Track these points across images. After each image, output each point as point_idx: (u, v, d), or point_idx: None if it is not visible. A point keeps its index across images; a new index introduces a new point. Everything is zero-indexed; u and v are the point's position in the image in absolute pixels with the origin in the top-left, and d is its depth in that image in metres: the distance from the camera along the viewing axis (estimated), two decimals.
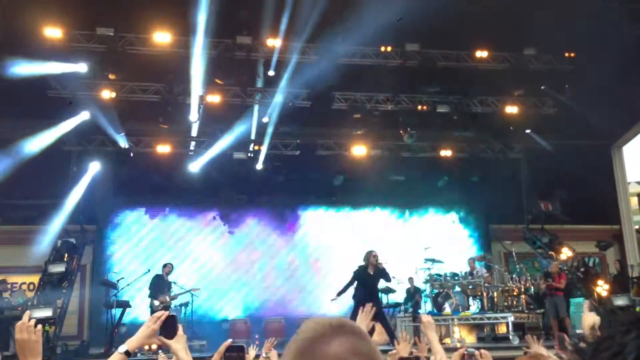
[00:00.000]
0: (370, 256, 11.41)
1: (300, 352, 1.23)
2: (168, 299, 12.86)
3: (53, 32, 13.72)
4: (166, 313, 2.75)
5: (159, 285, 13.02)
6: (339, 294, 11.55)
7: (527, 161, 17.29)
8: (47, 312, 11.86)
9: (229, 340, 2.31)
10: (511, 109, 16.53)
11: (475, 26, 14.07)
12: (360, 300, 11.27)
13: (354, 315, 10.67)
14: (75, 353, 13.25)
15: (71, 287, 13.66)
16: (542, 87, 16.37)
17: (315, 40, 14.94)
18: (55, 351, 12.16)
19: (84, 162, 15.46)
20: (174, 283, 13.41)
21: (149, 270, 13.72)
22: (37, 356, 2.62)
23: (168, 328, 2.76)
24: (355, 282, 11.38)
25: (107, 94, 14.85)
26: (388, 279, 11.82)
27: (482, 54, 15.66)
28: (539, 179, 16.88)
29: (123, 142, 15.69)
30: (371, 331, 5.57)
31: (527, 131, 16.90)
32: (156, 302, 12.77)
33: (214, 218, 16.90)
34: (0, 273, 14.82)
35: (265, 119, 15.92)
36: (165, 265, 13.47)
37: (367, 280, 11.32)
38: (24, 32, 13.07)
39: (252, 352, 5.28)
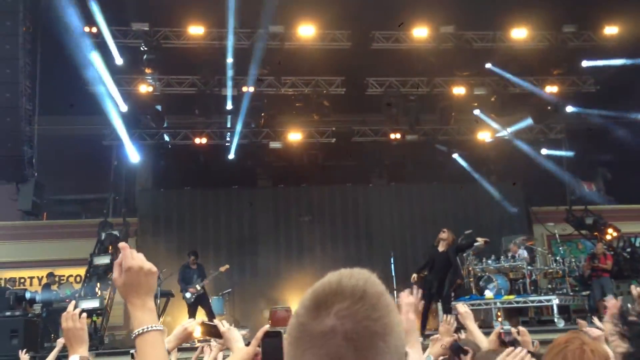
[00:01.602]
0: (440, 234, 11.31)
1: (291, 329, 1.14)
2: (199, 287, 12.83)
3: (90, 29, 13.95)
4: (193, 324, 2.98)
5: (186, 276, 13.00)
6: (418, 271, 11.34)
7: (568, 141, 16.91)
8: (94, 303, 12.16)
9: (266, 326, 2.33)
10: (551, 89, 16.15)
11: (511, 5, 13.79)
12: (424, 278, 11.21)
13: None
14: (122, 343, 13.55)
15: None
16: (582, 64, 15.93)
17: (347, 27, 14.86)
18: (103, 341, 12.47)
19: (124, 156, 15.73)
20: (202, 268, 13.38)
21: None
22: (83, 343, 2.68)
23: (211, 332, 2.95)
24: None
25: (144, 88, 15.09)
26: (469, 246, 11.71)
27: (519, 33, 15.31)
28: (581, 158, 16.50)
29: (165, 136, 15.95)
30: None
31: (569, 108, 16.46)
32: (187, 295, 12.74)
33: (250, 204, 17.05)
34: (48, 266, 15.27)
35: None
36: (189, 255, 13.31)
37: (435, 258, 11.15)
38: (61, 30, 13.32)
39: None
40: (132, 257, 1.80)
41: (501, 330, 3.79)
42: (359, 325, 1.07)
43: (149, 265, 1.79)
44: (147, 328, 1.74)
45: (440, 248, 11.14)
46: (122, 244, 1.82)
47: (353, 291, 1.11)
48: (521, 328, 3.73)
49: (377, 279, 1.18)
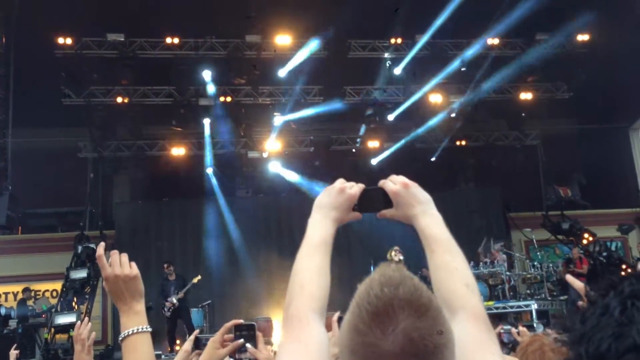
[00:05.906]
0: (390, 252, 11.36)
1: (354, 346, 1.12)
2: (175, 300, 12.74)
3: (64, 40, 13.81)
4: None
5: (164, 289, 12.89)
6: None
7: (544, 147, 17.11)
8: (71, 318, 11.98)
9: (234, 321, 2.39)
10: (525, 95, 16.36)
11: (482, 13, 13.99)
12: None
13: None
14: (100, 357, 13.35)
15: (94, 292, 13.77)
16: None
17: (325, 36, 14.91)
18: None
19: (100, 168, 15.55)
20: (183, 280, 13.19)
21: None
22: None
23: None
24: None
25: (120, 99, 14.95)
26: None
27: (493, 41, 15.49)
28: (556, 164, 16.70)
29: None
30: None
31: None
32: (165, 309, 12.68)
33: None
34: (24, 281, 14.99)
35: (277, 119, 15.89)
36: (163, 267, 13.14)
37: None
38: (36, 41, 13.18)
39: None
40: (110, 265, 1.85)
41: (501, 331, 3.75)
42: (428, 341, 1.09)
43: (126, 272, 1.84)
44: (130, 332, 1.80)
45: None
46: (98, 253, 1.85)
47: (417, 304, 1.11)
48: (522, 328, 3.69)
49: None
